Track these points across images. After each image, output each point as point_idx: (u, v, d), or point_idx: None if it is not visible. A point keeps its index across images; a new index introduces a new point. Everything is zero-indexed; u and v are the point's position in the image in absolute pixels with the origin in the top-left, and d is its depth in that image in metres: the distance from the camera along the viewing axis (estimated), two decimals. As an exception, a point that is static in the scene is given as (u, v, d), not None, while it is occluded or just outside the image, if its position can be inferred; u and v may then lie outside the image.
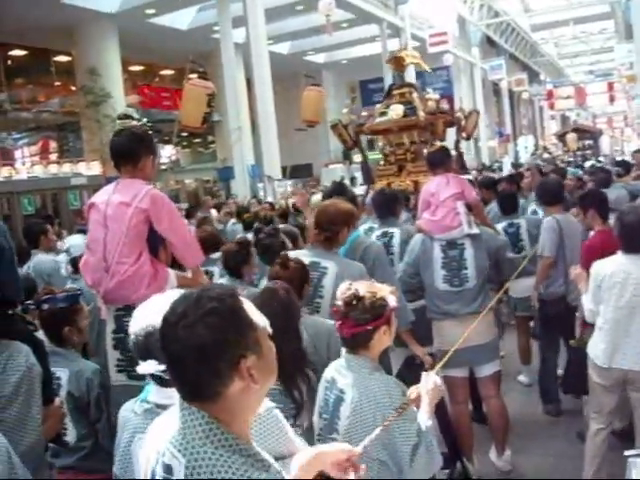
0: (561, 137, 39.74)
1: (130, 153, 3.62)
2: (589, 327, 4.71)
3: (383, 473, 2.80)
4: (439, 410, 4.73)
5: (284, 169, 20.66)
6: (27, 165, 23.46)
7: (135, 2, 22.08)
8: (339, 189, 5.03)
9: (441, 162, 5.43)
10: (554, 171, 9.24)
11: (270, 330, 1.63)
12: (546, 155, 34.11)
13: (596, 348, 4.41)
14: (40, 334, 3.50)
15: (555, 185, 6.52)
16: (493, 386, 5.13)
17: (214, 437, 1.50)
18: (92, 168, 21.60)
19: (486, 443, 5.32)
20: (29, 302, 3.60)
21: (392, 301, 2.93)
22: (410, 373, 4.55)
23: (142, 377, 3.28)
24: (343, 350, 3.02)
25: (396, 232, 5.81)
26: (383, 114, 8.26)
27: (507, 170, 22.23)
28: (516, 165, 25.78)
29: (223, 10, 18.28)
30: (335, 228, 4.24)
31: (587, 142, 37.35)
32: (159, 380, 2.28)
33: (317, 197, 8.13)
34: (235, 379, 1.50)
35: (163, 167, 27.89)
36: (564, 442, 5.52)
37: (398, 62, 8.59)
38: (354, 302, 2.87)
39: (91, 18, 21.52)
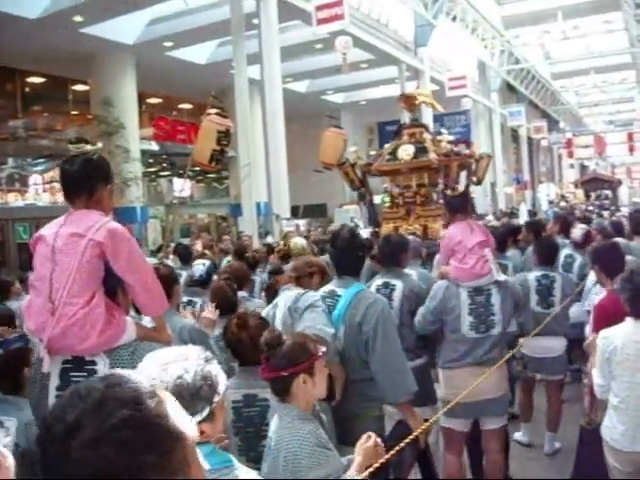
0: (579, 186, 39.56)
1: (84, 183, 3.13)
2: (599, 403, 4.25)
3: None
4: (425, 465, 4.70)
5: (297, 208, 20.36)
6: (33, 192, 23.27)
7: (154, 34, 22.04)
8: (348, 236, 4.47)
9: (462, 208, 5.25)
10: (580, 219, 8.90)
11: (197, 436, 1.16)
12: (563, 204, 33.72)
13: (613, 431, 3.88)
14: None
15: None
16: (496, 441, 4.96)
17: None
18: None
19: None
20: None
21: (319, 350, 2.93)
22: (403, 433, 4.26)
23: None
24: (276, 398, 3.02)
25: (398, 285, 5.37)
26: (392, 154, 7.93)
27: (524, 217, 21.79)
28: (533, 213, 25.41)
29: (238, 46, 18.12)
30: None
31: (605, 192, 37.02)
32: None
33: (299, 241, 7.72)
34: None
35: (175, 200, 27.74)
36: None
37: (409, 101, 8.27)
38: (275, 346, 2.90)
39: (109, 48, 21.50)
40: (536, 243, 7.08)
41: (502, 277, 4.91)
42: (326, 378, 3.00)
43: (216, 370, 2.19)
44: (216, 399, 2.14)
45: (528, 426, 6.69)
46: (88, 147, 3.15)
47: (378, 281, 5.50)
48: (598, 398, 4.13)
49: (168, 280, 4.19)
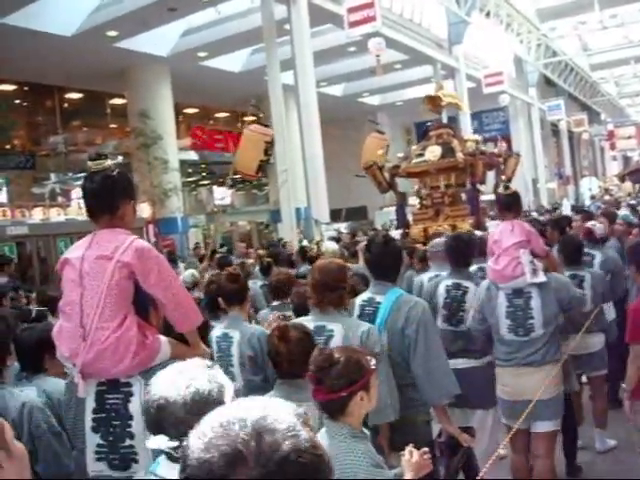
0: (622, 178, 38.82)
1: (106, 200, 3.02)
2: None
3: None
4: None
5: (339, 212, 20.32)
6: (75, 207, 23.55)
7: (187, 45, 22.25)
8: (382, 241, 4.43)
9: (512, 207, 5.13)
10: (604, 214, 8.67)
11: None
12: (607, 197, 33.14)
13: None
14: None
15: None
16: (544, 445, 4.77)
17: None
18: (142, 210, 21.51)
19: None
20: None
21: (371, 364, 2.78)
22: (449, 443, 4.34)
23: (126, 467, 2.86)
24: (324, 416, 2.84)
25: (471, 287, 5.37)
26: (419, 155, 7.91)
27: (567, 213, 21.29)
28: (577, 208, 24.89)
29: (271, 52, 18.21)
30: (343, 285, 3.88)
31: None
32: (169, 455, 2.06)
33: (330, 245, 7.67)
34: None
35: (216, 209, 27.97)
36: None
37: (434, 102, 8.23)
38: (327, 366, 2.72)
39: (143, 61, 21.76)
40: (560, 243, 6.73)
41: (542, 279, 4.67)
42: (376, 389, 2.87)
43: (220, 373, 2.12)
44: (227, 400, 2.04)
45: (579, 430, 6.32)
46: (108, 162, 3.03)
47: (447, 282, 5.50)
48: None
49: None
